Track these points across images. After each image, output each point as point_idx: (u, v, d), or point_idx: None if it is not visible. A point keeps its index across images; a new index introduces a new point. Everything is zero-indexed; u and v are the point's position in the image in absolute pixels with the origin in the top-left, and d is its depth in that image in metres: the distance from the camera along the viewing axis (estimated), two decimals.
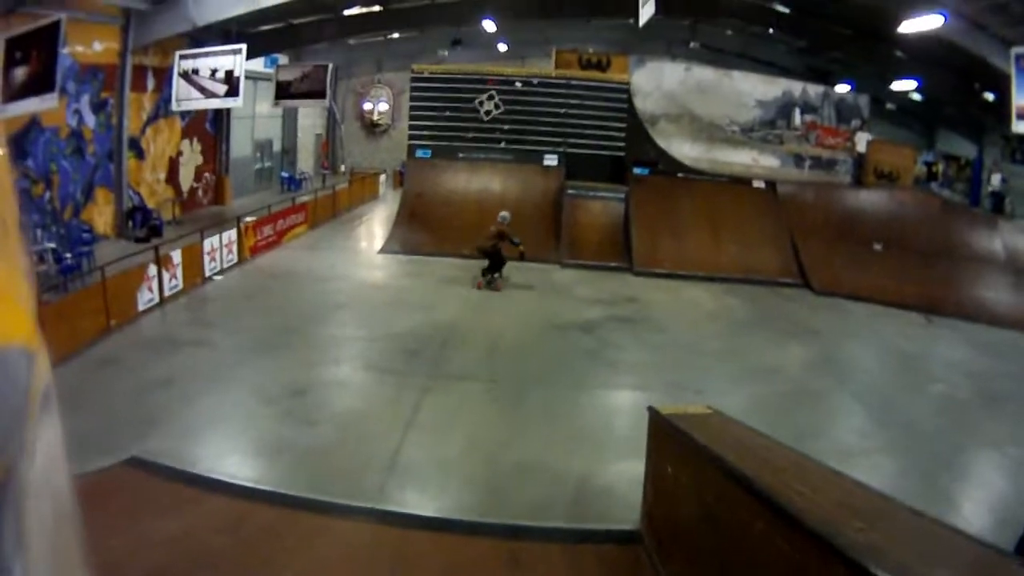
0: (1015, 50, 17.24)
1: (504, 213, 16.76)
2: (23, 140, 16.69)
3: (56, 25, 15.46)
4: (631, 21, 21.59)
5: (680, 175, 19.86)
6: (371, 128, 38.83)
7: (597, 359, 12.12)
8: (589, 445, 8.86)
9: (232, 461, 8.25)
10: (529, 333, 13.24)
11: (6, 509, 0.72)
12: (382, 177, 33.11)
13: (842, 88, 26.43)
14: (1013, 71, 17.24)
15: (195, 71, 21.20)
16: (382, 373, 11.13)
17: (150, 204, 22.07)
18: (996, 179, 27.71)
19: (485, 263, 16.24)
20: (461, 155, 20.32)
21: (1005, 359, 13.67)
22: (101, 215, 20.15)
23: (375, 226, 23.75)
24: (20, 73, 14.95)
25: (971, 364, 13.29)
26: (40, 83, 15.22)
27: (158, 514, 6.69)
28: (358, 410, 9.78)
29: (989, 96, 25.34)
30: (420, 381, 10.64)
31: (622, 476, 7.72)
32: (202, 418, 9.28)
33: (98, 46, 19.45)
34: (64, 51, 16.13)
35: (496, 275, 16.32)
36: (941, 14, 17.70)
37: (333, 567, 6.21)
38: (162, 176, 23.58)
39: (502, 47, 35.18)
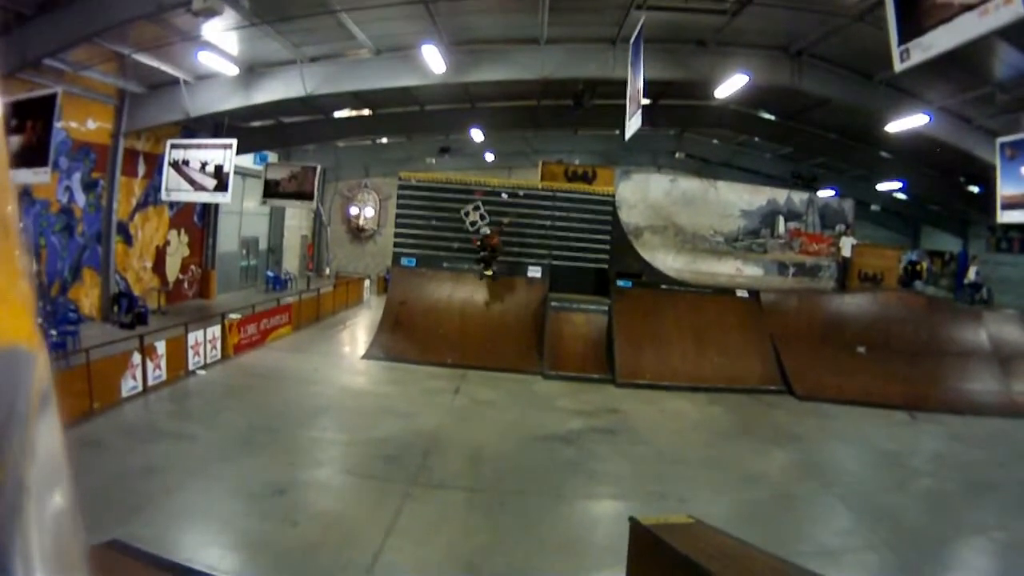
0: (1000, 140, 17.57)
1: (485, 229, 19.81)
2: None
3: (53, 98, 15.83)
4: (617, 133, 22.05)
5: (664, 287, 19.93)
6: (357, 232, 39.28)
7: (579, 470, 11.96)
8: (570, 555, 8.81)
9: (213, 553, 8.25)
10: (511, 443, 13.07)
11: (6, 509, 0.73)
12: (366, 282, 33.30)
13: (826, 193, 26.88)
14: (998, 161, 17.57)
15: (186, 162, 21.59)
16: (363, 478, 11.05)
17: (136, 291, 22.26)
18: (972, 272, 28.59)
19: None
20: (446, 264, 20.43)
21: (989, 448, 14.05)
22: (87, 296, 20.35)
23: (359, 331, 23.78)
24: (14, 142, 15.13)
25: (957, 456, 13.58)
26: (34, 155, 15.53)
27: None
28: (339, 513, 9.72)
29: (974, 189, 25.82)
30: (401, 487, 10.55)
31: None
32: (184, 509, 9.31)
33: (92, 124, 19.94)
34: (58, 125, 16.44)
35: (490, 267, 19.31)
36: (926, 114, 18.13)
37: None
38: (148, 264, 23.80)
39: (489, 157, 35.93)
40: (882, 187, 32.25)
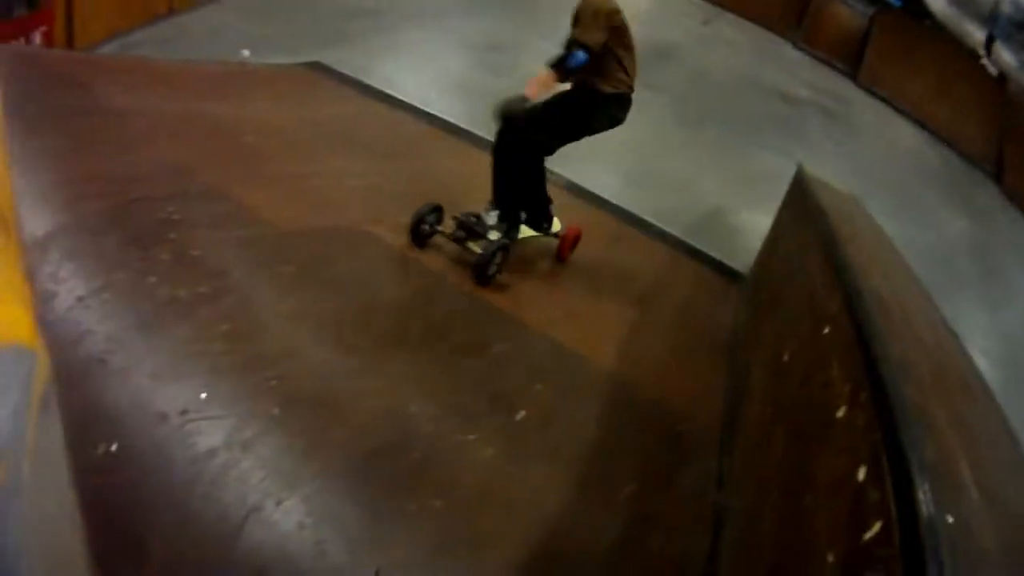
0: None
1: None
2: None
3: None
4: None
5: (927, 22, 17.44)
6: None
7: (786, 130, 11.90)
8: (740, 187, 9.09)
9: (407, 82, 8.47)
10: (733, 78, 13.02)
11: (6, 509, 0.72)
12: None
13: None
14: None
15: None
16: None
17: None
18: None
19: None
20: None
21: None
22: None
23: None
24: None
25: None
26: None
27: (321, 102, 7.54)
28: None
29: None
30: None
31: (758, 226, 7.36)
32: (394, 46, 9.56)
33: None
34: None
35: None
36: None
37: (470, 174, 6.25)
38: None
39: None
40: None
